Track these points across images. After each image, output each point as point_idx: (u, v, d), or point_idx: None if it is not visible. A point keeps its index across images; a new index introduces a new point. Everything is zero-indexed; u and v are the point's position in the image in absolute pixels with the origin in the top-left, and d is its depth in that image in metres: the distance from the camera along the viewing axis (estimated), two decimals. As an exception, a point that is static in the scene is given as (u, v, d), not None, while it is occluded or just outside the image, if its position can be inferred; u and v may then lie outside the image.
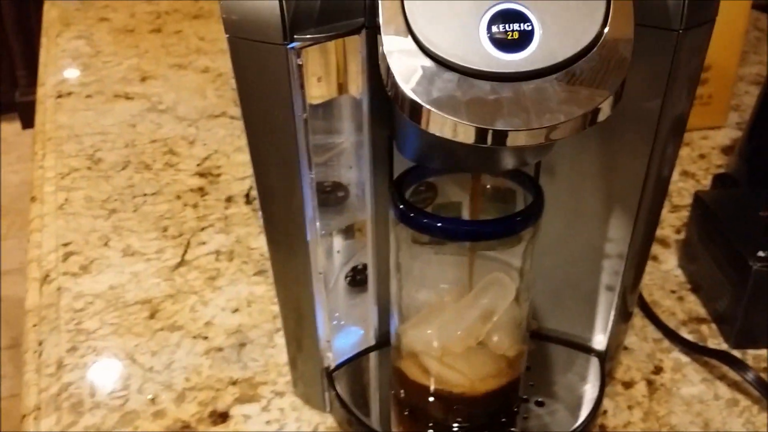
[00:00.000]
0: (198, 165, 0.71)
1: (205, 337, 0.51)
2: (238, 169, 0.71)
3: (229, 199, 0.66)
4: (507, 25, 0.28)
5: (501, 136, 0.27)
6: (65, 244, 0.60)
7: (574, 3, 0.28)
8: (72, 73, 0.91)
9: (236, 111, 0.82)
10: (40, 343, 0.51)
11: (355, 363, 0.44)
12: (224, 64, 0.92)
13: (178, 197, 0.66)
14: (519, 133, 0.27)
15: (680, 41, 0.33)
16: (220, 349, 0.50)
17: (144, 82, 0.89)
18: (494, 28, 0.28)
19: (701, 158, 0.73)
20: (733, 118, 0.79)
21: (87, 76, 0.90)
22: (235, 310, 0.53)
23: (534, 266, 0.39)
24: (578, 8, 0.28)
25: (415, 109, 0.28)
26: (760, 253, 0.46)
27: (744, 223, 0.50)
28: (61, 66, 0.93)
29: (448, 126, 0.28)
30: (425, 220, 0.35)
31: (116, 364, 0.49)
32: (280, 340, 0.50)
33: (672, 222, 0.62)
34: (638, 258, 0.40)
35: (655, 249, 0.59)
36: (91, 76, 0.90)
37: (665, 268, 0.57)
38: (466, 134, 0.28)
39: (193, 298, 0.54)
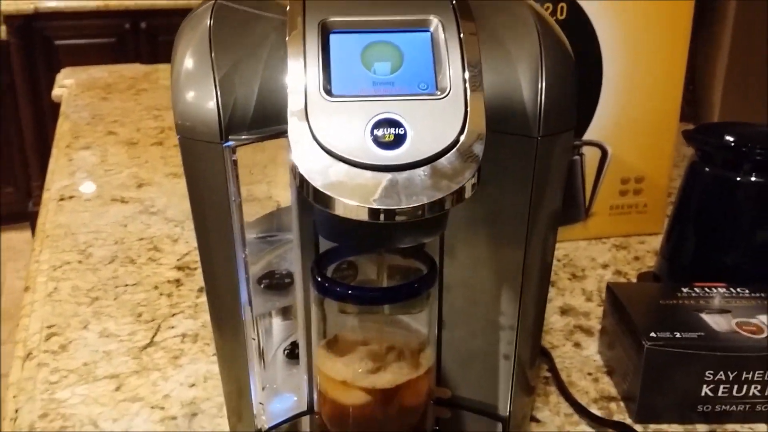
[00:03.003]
0: (178, 260, 0.79)
1: (162, 408, 0.56)
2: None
3: (201, 290, 0.73)
4: (386, 129, 0.36)
5: (376, 213, 0.35)
6: (49, 326, 0.67)
7: (440, 114, 0.37)
8: (75, 180, 1.01)
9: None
10: (17, 411, 0.56)
11: (287, 426, 0.49)
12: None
13: (156, 287, 0.73)
14: (391, 210, 0.35)
15: (540, 147, 0.40)
16: (174, 418, 0.55)
17: (140, 188, 0.98)
18: (376, 131, 0.36)
19: (636, 260, 0.80)
20: (669, 225, 0.86)
21: (89, 182, 1.00)
22: (192, 385, 0.59)
23: (445, 336, 0.45)
24: (442, 118, 0.37)
25: (312, 191, 0.35)
26: (653, 334, 0.52)
27: (645, 310, 0.56)
28: (67, 173, 1.03)
29: (338, 204, 0.35)
30: (338, 289, 0.42)
31: (80, 429, 0.54)
32: (228, 410, 0.55)
33: (598, 314, 0.68)
34: (530, 333, 0.46)
35: (579, 337, 0.65)
36: (93, 182, 1.00)
37: (586, 354, 0.62)
38: (349, 211, 0.35)
39: (156, 374, 0.60)
